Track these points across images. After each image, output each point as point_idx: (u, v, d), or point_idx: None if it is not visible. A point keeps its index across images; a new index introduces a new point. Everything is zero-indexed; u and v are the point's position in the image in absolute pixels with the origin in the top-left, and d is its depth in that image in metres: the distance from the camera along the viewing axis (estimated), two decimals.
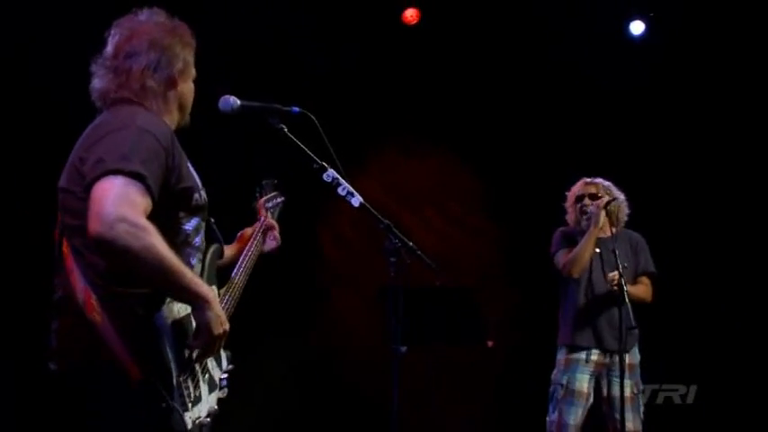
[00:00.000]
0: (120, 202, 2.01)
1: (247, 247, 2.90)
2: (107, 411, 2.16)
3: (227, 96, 2.63)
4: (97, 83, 2.36)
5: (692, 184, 6.31)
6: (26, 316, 5.07)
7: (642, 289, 4.64)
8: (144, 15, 2.41)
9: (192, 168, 2.36)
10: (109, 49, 2.36)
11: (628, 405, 4.40)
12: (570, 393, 4.46)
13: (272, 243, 3.05)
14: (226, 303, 2.60)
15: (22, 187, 5.30)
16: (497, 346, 5.09)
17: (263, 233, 3.02)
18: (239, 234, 3.00)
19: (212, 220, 2.52)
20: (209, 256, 2.50)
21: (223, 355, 2.53)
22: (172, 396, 2.13)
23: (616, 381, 4.45)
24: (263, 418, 5.66)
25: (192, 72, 2.47)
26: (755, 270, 6.15)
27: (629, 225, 4.78)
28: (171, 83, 2.37)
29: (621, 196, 4.71)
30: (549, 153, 6.34)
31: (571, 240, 4.66)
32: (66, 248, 2.22)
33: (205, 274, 2.44)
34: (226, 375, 2.51)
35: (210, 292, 2.24)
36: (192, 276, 2.18)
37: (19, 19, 5.16)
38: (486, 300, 5.07)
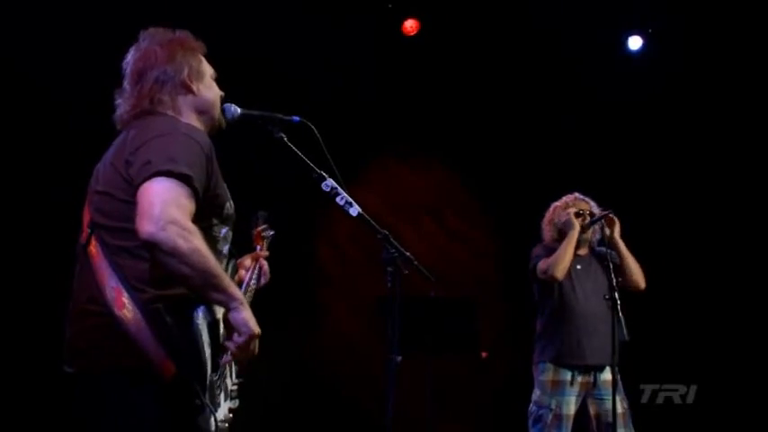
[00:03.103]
0: (170, 205, 2.08)
1: (247, 278, 2.92)
2: (135, 409, 2.16)
3: (227, 104, 2.63)
4: (118, 110, 2.44)
5: (691, 190, 6.36)
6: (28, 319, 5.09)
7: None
8: (145, 40, 2.47)
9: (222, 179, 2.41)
10: (125, 82, 2.45)
11: (620, 421, 4.35)
12: (559, 418, 4.43)
13: (262, 279, 3.05)
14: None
15: (21, 187, 5.30)
16: (495, 359, 5.09)
17: (258, 269, 3.04)
18: (238, 261, 3.00)
19: None
20: (229, 270, 2.54)
21: (233, 366, 2.58)
22: (205, 394, 2.17)
23: (605, 399, 4.45)
24: (259, 429, 5.66)
25: (205, 72, 2.50)
26: (754, 271, 6.18)
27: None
28: (183, 89, 2.42)
29: (597, 208, 4.73)
30: (546, 167, 6.36)
31: (553, 251, 4.62)
32: (94, 248, 2.24)
33: None
34: (235, 387, 2.55)
35: (243, 295, 2.28)
36: (230, 280, 2.24)
37: (19, 19, 5.16)
38: (481, 312, 5.07)
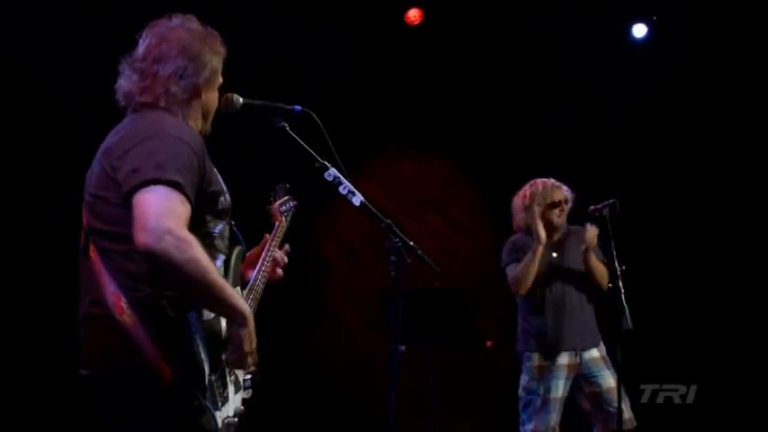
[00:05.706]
0: (165, 215, 2.04)
1: (264, 252, 2.91)
2: (137, 412, 2.16)
3: (229, 94, 2.63)
4: (123, 83, 2.39)
5: (692, 187, 6.34)
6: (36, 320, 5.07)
7: (601, 268, 4.58)
8: (177, 21, 2.42)
9: (216, 172, 2.38)
10: (139, 50, 2.38)
11: (616, 395, 4.35)
12: (547, 402, 4.46)
13: (277, 272, 2.96)
14: (248, 305, 2.59)
15: (21, 187, 5.29)
16: (497, 353, 5.07)
17: (271, 259, 2.98)
18: (265, 238, 3.01)
19: (233, 222, 2.54)
20: (233, 259, 2.51)
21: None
22: (204, 395, 2.17)
23: (597, 376, 4.46)
24: (259, 424, 5.62)
25: (219, 80, 2.48)
26: (754, 270, 6.17)
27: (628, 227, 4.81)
28: (195, 91, 2.38)
29: (569, 193, 4.72)
30: (548, 162, 6.33)
31: (522, 251, 4.61)
32: (93, 252, 2.23)
33: (230, 276, 2.47)
34: (249, 376, 2.53)
35: (248, 308, 2.26)
36: (232, 291, 2.21)
37: (20, 19, 5.17)
38: (484, 306, 5.05)
